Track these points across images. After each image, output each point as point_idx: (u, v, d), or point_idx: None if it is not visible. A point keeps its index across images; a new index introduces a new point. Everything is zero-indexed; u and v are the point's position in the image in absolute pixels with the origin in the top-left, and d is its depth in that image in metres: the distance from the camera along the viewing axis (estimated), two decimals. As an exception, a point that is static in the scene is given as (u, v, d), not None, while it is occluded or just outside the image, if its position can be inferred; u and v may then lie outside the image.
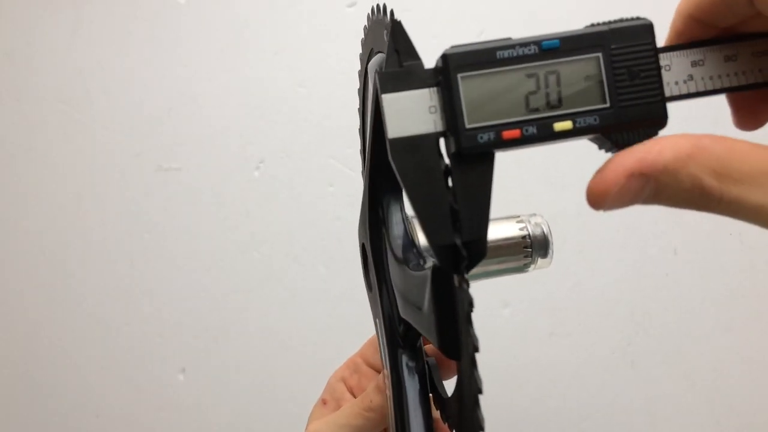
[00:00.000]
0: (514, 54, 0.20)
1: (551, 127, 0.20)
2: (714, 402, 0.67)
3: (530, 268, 0.31)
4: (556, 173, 0.68)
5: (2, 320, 0.76)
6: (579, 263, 0.67)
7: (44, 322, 0.75)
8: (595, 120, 0.20)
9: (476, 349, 0.21)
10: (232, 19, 0.73)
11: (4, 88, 0.76)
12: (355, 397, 0.37)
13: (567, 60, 0.20)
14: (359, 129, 0.37)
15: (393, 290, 0.30)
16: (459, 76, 0.20)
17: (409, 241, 0.30)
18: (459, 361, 0.23)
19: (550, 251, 0.30)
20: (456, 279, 0.21)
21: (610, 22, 0.21)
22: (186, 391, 0.72)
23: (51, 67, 0.75)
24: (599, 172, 0.20)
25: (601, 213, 0.62)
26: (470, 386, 0.21)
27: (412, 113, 0.20)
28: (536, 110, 0.20)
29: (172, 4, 0.73)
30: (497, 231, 0.29)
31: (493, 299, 0.67)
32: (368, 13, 0.28)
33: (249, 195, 0.72)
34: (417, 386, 0.29)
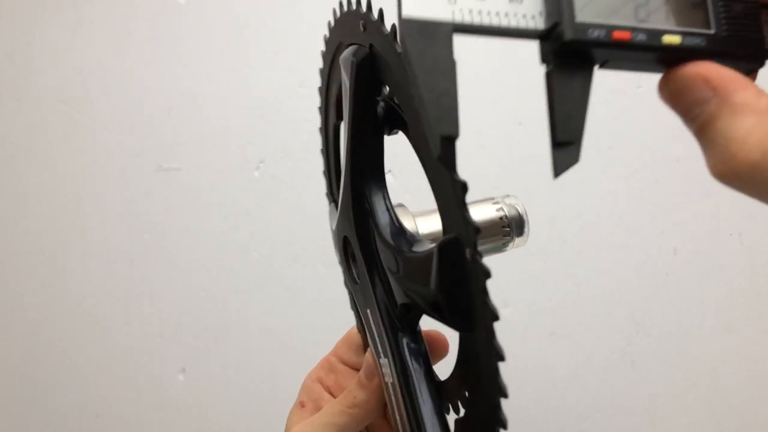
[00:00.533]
0: None
1: (660, 39, 0.20)
2: (714, 402, 0.67)
3: (509, 247, 0.31)
4: (556, 173, 0.68)
5: (2, 320, 0.76)
6: (579, 263, 0.67)
7: (44, 322, 0.75)
8: (702, 42, 0.20)
9: (496, 318, 0.21)
10: (232, 19, 0.73)
11: (4, 88, 0.76)
12: (334, 396, 0.37)
13: None
14: (320, 128, 0.38)
15: (386, 277, 0.30)
16: None
17: (397, 228, 0.30)
18: (473, 332, 0.23)
19: (526, 229, 0.31)
20: (468, 252, 0.21)
21: None
22: (186, 391, 0.72)
23: (51, 67, 0.75)
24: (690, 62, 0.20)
25: (601, 213, 0.62)
26: (490, 355, 0.21)
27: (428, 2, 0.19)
28: (645, 21, 0.20)
29: (172, 4, 0.73)
30: (475, 213, 0.29)
31: (493, 299, 0.67)
32: (333, 9, 0.29)
33: (249, 195, 0.72)
34: (422, 368, 0.29)
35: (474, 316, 0.22)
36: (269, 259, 0.71)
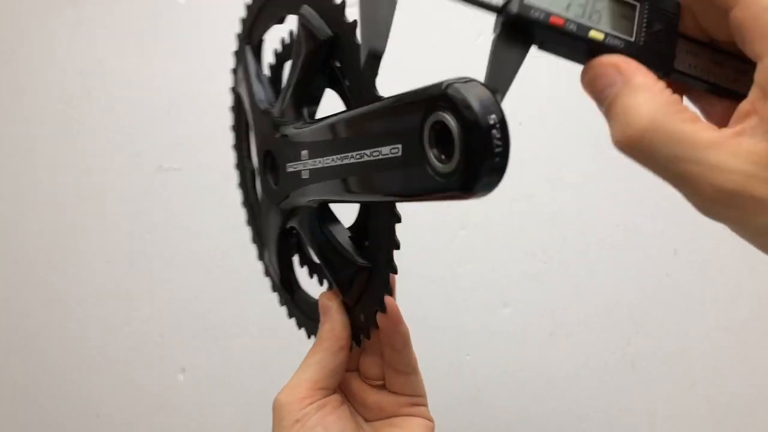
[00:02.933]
0: None
1: (587, 32, 0.24)
2: (714, 402, 0.67)
3: None
4: (556, 173, 0.68)
5: (2, 320, 0.76)
6: (579, 263, 0.67)
7: (44, 322, 0.75)
8: (620, 44, 0.25)
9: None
10: (232, 19, 0.73)
11: (4, 88, 0.76)
12: None
13: None
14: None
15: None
16: None
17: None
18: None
19: None
20: None
21: None
22: (186, 391, 0.72)
23: (51, 67, 0.75)
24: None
25: (601, 213, 0.62)
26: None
27: None
28: (581, 17, 0.25)
29: (172, 4, 0.73)
30: None
31: (493, 299, 0.67)
32: None
33: (249, 195, 0.72)
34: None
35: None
36: (269, 259, 0.71)
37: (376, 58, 0.24)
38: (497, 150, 0.22)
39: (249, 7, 0.39)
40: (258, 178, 0.40)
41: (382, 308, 0.32)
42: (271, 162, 0.37)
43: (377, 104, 0.26)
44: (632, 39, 0.25)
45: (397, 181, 0.26)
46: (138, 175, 0.73)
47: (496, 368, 0.67)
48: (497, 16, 0.25)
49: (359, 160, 0.27)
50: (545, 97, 0.66)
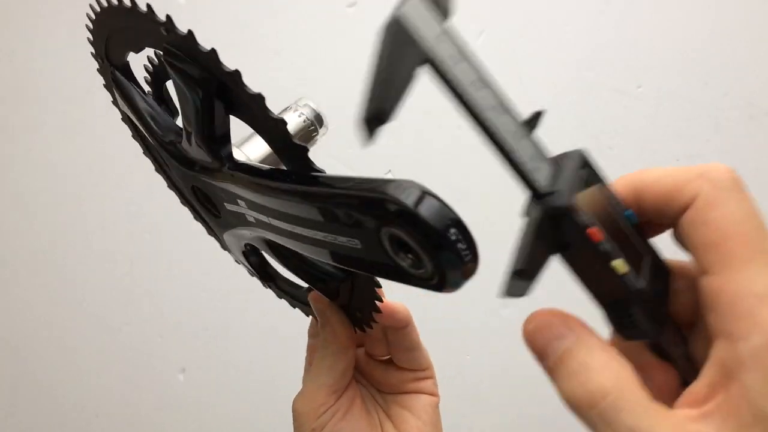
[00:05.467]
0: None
1: (612, 259, 0.21)
2: (714, 402, 0.67)
3: (319, 138, 0.34)
4: (556, 173, 0.68)
5: (2, 320, 0.76)
6: (579, 263, 0.67)
7: (44, 322, 0.75)
8: (641, 286, 0.22)
9: None
10: (232, 19, 0.73)
11: (4, 88, 0.76)
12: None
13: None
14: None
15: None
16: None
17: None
18: None
19: (325, 120, 0.34)
20: None
21: None
22: (186, 391, 0.72)
23: (51, 67, 0.75)
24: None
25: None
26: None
27: (428, 23, 0.20)
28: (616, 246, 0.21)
29: (172, 4, 0.73)
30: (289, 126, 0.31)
31: (493, 299, 0.67)
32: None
33: (249, 195, 0.72)
34: None
35: None
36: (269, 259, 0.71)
37: (379, 122, 0.19)
38: (466, 258, 0.21)
39: (94, 32, 0.33)
40: (191, 200, 0.36)
41: (378, 310, 0.32)
42: (203, 196, 0.33)
43: (321, 194, 0.23)
44: (644, 286, 0.22)
45: (363, 264, 0.24)
46: (138, 175, 0.73)
47: (496, 368, 0.67)
48: (533, 200, 0.21)
49: (313, 236, 0.25)
50: (545, 97, 0.66)
